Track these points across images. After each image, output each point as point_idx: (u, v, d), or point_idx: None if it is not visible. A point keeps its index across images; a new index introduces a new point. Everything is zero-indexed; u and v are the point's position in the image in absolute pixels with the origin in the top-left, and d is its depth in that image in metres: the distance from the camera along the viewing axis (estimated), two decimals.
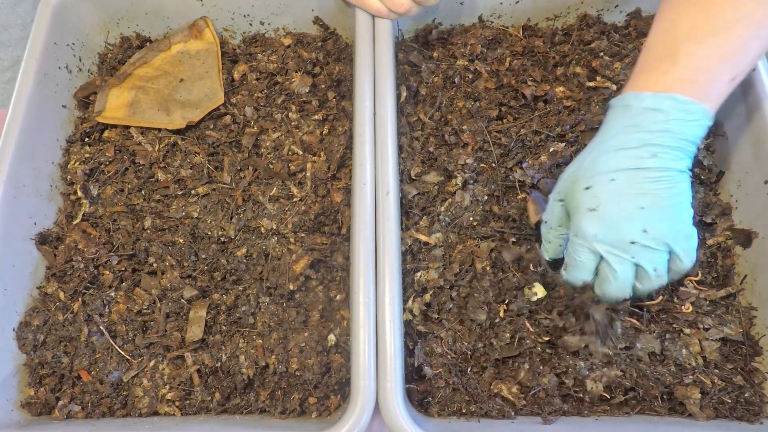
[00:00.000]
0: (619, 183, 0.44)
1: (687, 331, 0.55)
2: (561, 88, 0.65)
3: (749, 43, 0.45)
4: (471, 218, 0.59)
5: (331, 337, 0.55)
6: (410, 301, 0.56)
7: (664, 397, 0.54)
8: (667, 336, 0.55)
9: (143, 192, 0.63)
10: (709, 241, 0.59)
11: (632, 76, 0.48)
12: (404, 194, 0.59)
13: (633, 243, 0.44)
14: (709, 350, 0.55)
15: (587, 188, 0.45)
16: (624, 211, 0.44)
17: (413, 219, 0.60)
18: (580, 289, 0.50)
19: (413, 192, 0.60)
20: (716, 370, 0.54)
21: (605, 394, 0.53)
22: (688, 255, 0.46)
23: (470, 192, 0.59)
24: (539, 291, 0.54)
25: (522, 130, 0.63)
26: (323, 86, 0.69)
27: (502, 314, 0.55)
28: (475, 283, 0.56)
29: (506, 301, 0.55)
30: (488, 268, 0.57)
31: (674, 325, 0.56)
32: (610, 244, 0.45)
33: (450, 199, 0.60)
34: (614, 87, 0.64)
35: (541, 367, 0.54)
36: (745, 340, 0.56)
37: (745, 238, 0.58)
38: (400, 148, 0.61)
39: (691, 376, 0.54)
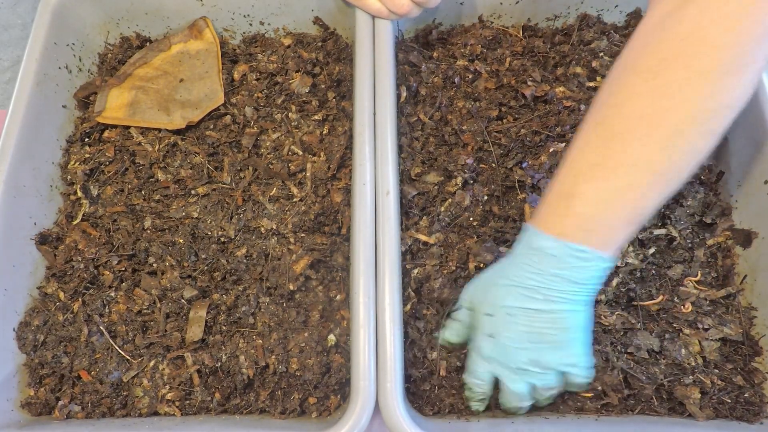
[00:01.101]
0: (514, 319, 0.47)
1: (687, 330, 0.56)
2: (561, 88, 0.65)
3: (650, 189, 0.44)
4: (471, 218, 0.59)
5: (331, 337, 0.55)
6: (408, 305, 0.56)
7: (664, 397, 0.54)
8: (667, 336, 0.55)
9: (143, 192, 0.63)
10: (709, 242, 0.59)
11: (539, 204, 0.49)
12: (404, 194, 0.59)
13: (524, 369, 0.48)
14: (708, 350, 0.55)
15: (488, 315, 0.48)
16: (516, 342, 0.47)
17: (413, 219, 0.60)
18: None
19: (413, 192, 0.60)
20: (716, 370, 0.54)
21: (605, 394, 0.53)
22: (578, 377, 0.49)
23: (470, 192, 0.59)
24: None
25: (522, 130, 0.63)
26: (323, 86, 0.69)
27: None
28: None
29: None
30: (482, 265, 0.56)
31: (674, 325, 0.56)
32: (505, 366, 0.48)
33: (450, 199, 0.60)
34: None
35: None
36: (745, 340, 0.56)
37: (745, 238, 0.58)
38: (400, 148, 0.61)
39: (690, 376, 0.54)
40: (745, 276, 0.58)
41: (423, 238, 0.58)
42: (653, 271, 0.57)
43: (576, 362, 0.48)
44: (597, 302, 0.56)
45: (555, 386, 0.49)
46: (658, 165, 0.43)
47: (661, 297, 0.56)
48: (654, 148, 0.42)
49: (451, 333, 0.53)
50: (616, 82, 0.45)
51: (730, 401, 0.53)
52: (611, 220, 0.44)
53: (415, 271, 0.57)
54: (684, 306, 0.56)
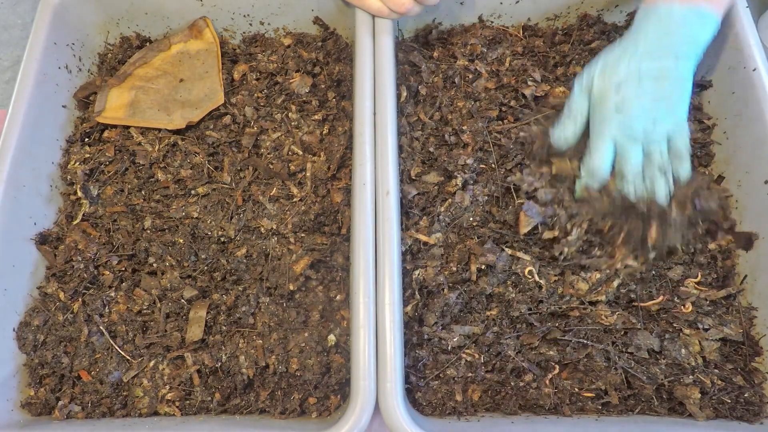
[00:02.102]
0: (644, 87, 0.53)
1: (687, 331, 0.56)
2: (561, 88, 0.65)
3: None
4: (471, 219, 0.59)
5: (331, 337, 0.55)
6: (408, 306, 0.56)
7: (664, 396, 0.54)
8: (667, 336, 0.55)
9: (143, 192, 0.63)
10: (710, 245, 0.59)
11: None
12: (404, 194, 0.59)
13: (644, 133, 0.53)
14: (708, 350, 0.55)
15: (617, 87, 0.54)
16: (643, 109, 0.53)
17: (413, 219, 0.59)
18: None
19: (413, 192, 0.60)
20: (716, 370, 0.54)
21: (606, 393, 0.54)
22: (683, 143, 0.55)
23: (470, 192, 0.59)
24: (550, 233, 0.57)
25: (521, 133, 0.63)
26: (323, 86, 0.69)
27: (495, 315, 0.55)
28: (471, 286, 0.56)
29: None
30: (483, 267, 0.56)
31: (674, 325, 0.56)
32: (626, 134, 0.54)
33: (450, 200, 0.60)
34: None
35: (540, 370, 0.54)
36: (745, 340, 0.56)
37: (746, 241, 0.58)
38: (400, 148, 0.61)
39: (691, 376, 0.54)
40: (746, 276, 0.58)
41: (423, 238, 0.58)
42: (653, 272, 0.57)
43: (683, 127, 0.54)
44: (597, 302, 0.56)
45: (665, 154, 0.54)
46: None
47: (661, 297, 0.56)
48: None
49: (569, 127, 0.57)
50: None
51: (730, 401, 0.53)
52: None
53: (416, 272, 0.57)
54: (684, 306, 0.56)
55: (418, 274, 0.57)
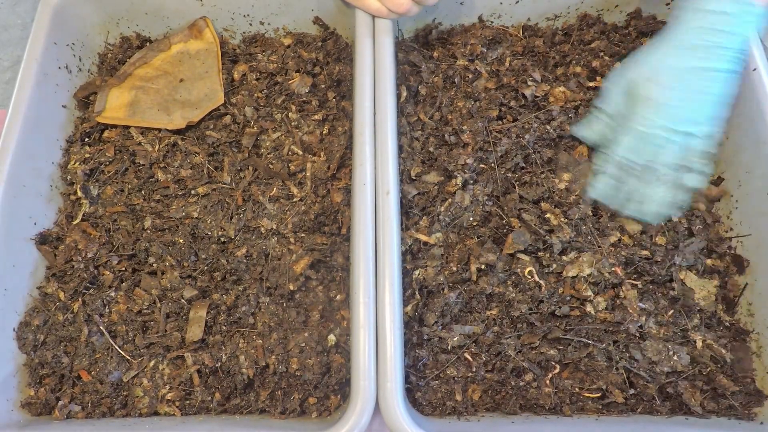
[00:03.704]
0: (686, 81, 0.53)
1: (689, 330, 0.55)
2: (561, 88, 0.65)
3: None
4: (471, 218, 0.59)
5: (331, 337, 0.55)
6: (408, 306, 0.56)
7: (666, 396, 0.54)
8: (669, 335, 0.55)
9: (143, 192, 0.63)
10: (708, 261, 0.59)
11: None
12: (404, 194, 0.59)
13: (684, 127, 0.53)
14: (710, 349, 0.55)
15: (657, 82, 0.54)
16: (684, 103, 0.53)
17: (413, 219, 0.59)
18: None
19: (413, 192, 0.60)
20: (717, 370, 0.54)
21: (609, 393, 0.54)
22: (715, 144, 0.56)
23: (470, 192, 0.59)
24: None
25: (526, 135, 0.62)
26: (323, 86, 0.69)
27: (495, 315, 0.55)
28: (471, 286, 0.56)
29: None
30: (483, 266, 0.56)
31: (676, 324, 0.56)
32: (666, 128, 0.54)
33: (450, 200, 0.60)
34: None
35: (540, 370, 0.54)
36: (745, 340, 0.56)
37: (739, 265, 0.59)
38: (400, 148, 0.61)
39: (692, 376, 0.54)
40: (746, 285, 0.58)
41: (423, 238, 0.58)
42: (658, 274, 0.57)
43: (713, 129, 0.55)
44: (598, 302, 0.56)
45: (702, 147, 0.54)
46: None
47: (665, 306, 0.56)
48: None
49: (597, 122, 0.58)
50: None
51: (729, 401, 0.53)
52: None
53: (417, 272, 0.57)
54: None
55: (418, 274, 0.57)
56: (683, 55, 0.53)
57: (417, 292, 0.56)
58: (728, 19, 0.52)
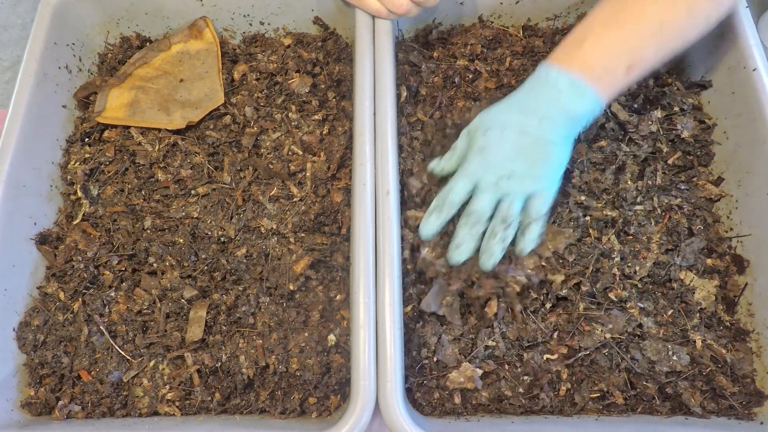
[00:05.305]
0: (506, 137, 0.53)
1: (689, 330, 0.56)
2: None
3: (649, 39, 0.52)
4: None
5: (331, 337, 0.55)
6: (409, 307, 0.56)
7: (666, 396, 0.54)
8: (670, 335, 0.55)
9: (143, 192, 0.63)
10: (708, 261, 0.59)
11: (554, 50, 0.55)
12: (407, 187, 0.59)
13: (499, 181, 0.53)
14: (708, 350, 0.55)
15: (485, 130, 0.54)
16: (502, 157, 0.53)
17: (415, 209, 0.59)
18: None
19: (417, 185, 0.59)
20: (717, 370, 0.54)
21: (610, 394, 0.54)
22: (540, 204, 0.53)
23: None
24: None
25: None
26: (323, 86, 0.69)
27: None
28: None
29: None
30: None
31: (677, 325, 0.56)
32: (483, 177, 0.53)
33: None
34: None
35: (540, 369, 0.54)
36: (745, 340, 0.56)
37: (739, 265, 0.58)
38: (400, 148, 0.61)
39: (692, 376, 0.54)
40: (746, 284, 0.58)
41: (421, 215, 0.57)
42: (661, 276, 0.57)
43: (545, 188, 0.54)
44: (598, 303, 0.56)
45: (516, 211, 0.53)
46: (662, 20, 0.52)
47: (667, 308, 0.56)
48: (663, 9, 0.52)
49: (446, 160, 0.57)
50: None
51: (729, 401, 0.53)
52: (612, 62, 0.52)
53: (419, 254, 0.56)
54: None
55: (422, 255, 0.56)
56: (513, 114, 0.53)
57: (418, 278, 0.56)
58: (559, 95, 0.52)
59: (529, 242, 0.54)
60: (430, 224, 0.55)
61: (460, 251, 0.54)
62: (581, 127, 0.54)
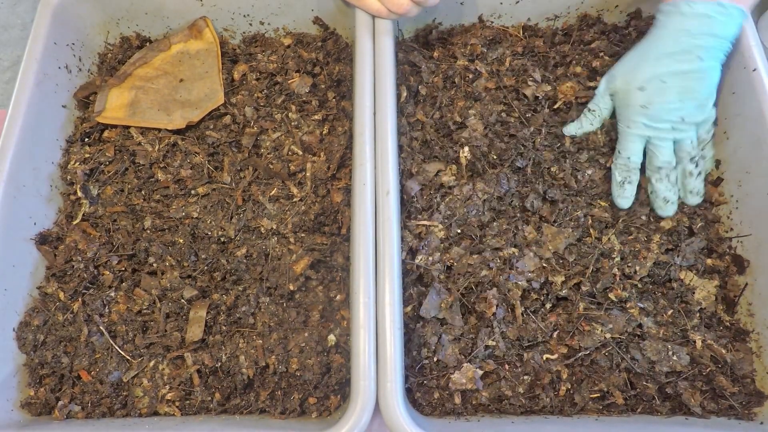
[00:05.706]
0: (668, 85, 0.55)
1: (689, 330, 0.55)
2: (569, 84, 0.65)
3: None
4: (473, 212, 0.59)
5: (331, 337, 0.55)
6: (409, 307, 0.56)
7: (666, 396, 0.54)
8: (670, 336, 0.55)
9: (143, 192, 0.63)
10: (708, 261, 0.59)
11: None
12: (406, 190, 0.59)
13: (673, 128, 0.56)
14: (708, 350, 0.55)
15: (641, 89, 0.56)
16: (669, 104, 0.55)
17: (414, 214, 0.59)
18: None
19: (416, 188, 0.59)
20: (717, 370, 0.54)
21: (610, 394, 0.54)
22: (710, 124, 0.59)
23: (470, 187, 0.59)
24: None
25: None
26: (323, 86, 0.69)
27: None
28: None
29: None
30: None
31: (677, 325, 0.56)
32: (656, 129, 0.56)
33: (451, 194, 0.59)
34: None
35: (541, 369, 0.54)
36: (745, 340, 0.56)
37: (739, 265, 0.58)
38: (400, 148, 0.61)
39: (692, 376, 0.54)
40: (746, 284, 0.58)
41: (425, 223, 0.58)
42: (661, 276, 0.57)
43: (711, 115, 0.58)
44: (598, 303, 0.56)
45: (695, 142, 0.57)
46: None
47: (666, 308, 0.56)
48: None
49: (588, 123, 0.60)
50: None
51: (729, 401, 0.53)
52: None
53: (419, 258, 0.57)
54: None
55: (420, 260, 0.56)
56: (664, 62, 0.55)
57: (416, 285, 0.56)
58: (710, 21, 0.53)
59: (709, 162, 0.59)
60: (628, 194, 0.57)
61: (669, 205, 0.58)
62: (730, 43, 0.56)
